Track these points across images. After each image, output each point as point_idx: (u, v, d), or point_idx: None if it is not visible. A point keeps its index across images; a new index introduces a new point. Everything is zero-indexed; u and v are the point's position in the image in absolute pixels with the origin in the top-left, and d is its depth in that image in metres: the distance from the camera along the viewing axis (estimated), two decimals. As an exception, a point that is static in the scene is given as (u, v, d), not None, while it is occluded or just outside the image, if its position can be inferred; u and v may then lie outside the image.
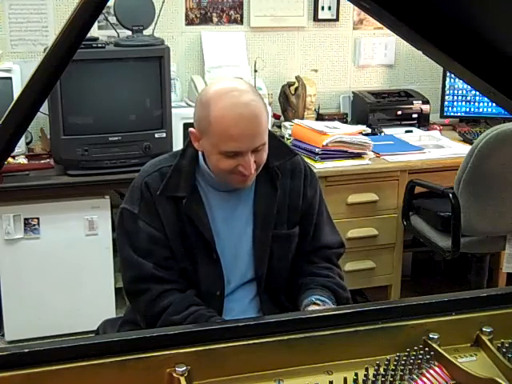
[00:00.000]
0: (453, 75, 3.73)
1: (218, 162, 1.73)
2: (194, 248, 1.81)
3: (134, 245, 1.80)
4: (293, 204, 1.90)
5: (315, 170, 2.54)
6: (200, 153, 1.84)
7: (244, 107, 1.68)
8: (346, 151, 3.21)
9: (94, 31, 3.31)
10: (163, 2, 3.28)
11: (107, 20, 3.36)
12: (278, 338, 1.31)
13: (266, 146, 1.76)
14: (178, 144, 3.19)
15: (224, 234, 1.84)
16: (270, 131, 1.83)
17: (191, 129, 1.79)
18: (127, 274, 1.84)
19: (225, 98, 1.69)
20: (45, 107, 2.92)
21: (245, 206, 1.86)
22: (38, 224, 3.04)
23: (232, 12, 3.68)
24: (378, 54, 3.97)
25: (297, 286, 1.93)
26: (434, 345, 1.35)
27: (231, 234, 1.85)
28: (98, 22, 3.36)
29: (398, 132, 3.70)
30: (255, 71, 3.40)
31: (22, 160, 3.06)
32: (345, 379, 1.25)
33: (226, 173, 1.75)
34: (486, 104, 3.83)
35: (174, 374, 1.24)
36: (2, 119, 1.10)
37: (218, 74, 3.45)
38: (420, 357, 1.32)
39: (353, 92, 3.91)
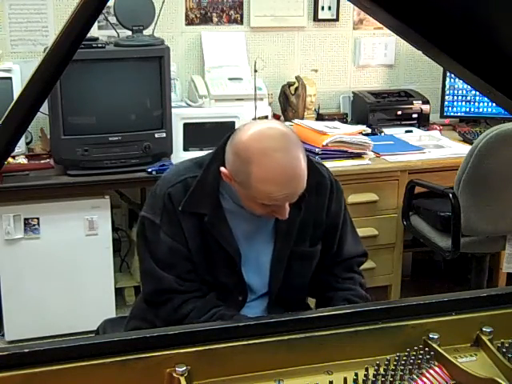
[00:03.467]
0: (453, 75, 3.73)
1: (251, 207, 1.69)
2: (216, 262, 1.78)
3: (155, 256, 1.76)
4: (317, 220, 1.85)
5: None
6: None
7: (289, 171, 1.58)
8: (346, 151, 3.21)
9: (94, 31, 3.30)
10: (163, 2, 3.28)
11: (107, 20, 3.35)
12: (278, 338, 1.31)
13: None
14: (178, 144, 3.19)
15: (245, 249, 1.80)
16: None
17: (223, 169, 1.67)
18: (148, 286, 1.81)
19: (268, 160, 1.57)
20: (45, 107, 2.91)
21: (267, 224, 1.81)
22: (38, 224, 3.04)
23: (232, 12, 3.68)
24: (378, 54, 3.97)
25: (320, 300, 1.92)
26: (434, 345, 1.35)
27: (252, 250, 1.81)
28: (98, 21, 3.36)
29: (397, 132, 3.70)
30: (255, 71, 3.39)
31: (22, 160, 3.06)
32: (345, 379, 1.25)
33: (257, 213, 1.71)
34: (486, 104, 3.82)
35: (174, 374, 1.24)
36: (2, 119, 1.09)
37: (218, 73, 3.45)
38: (420, 357, 1.32)
39: (353, 92, 3.90)
